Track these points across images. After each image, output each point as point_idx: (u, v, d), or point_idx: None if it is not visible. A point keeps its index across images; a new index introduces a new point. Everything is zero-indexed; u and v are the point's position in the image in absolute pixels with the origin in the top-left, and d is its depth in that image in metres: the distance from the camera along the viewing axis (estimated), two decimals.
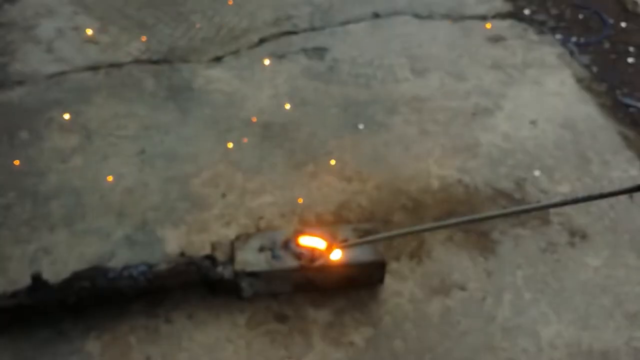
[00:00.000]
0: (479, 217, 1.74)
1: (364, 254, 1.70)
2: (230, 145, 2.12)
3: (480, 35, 2.77)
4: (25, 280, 1.68)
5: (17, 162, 2.04)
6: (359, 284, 1.75)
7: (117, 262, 1.72)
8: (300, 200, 1.96)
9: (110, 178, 1.98)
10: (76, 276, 1.62)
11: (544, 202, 1.95)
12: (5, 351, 1.61)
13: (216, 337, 1.65)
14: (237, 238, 1.73)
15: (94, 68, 2.41)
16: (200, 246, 1.83)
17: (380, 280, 1.75)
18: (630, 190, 1.36)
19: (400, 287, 1.78)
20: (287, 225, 1.90)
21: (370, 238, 1.68)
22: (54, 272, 1.71)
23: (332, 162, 2.09)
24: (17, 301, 1.59)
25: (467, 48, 2.68)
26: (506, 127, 2.32)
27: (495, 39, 2.76)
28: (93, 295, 1.60)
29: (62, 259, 1.79)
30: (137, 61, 2.45)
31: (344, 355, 1.63)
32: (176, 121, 2.22)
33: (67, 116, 2.18)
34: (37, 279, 1.61)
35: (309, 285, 1.72)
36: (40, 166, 2.03)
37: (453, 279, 1.80)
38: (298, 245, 1.71)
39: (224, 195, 1.98)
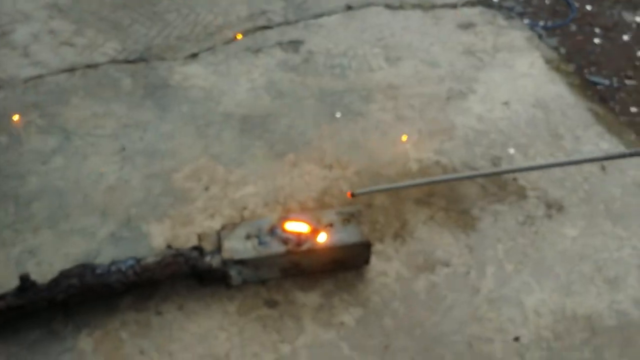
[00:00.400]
0: (459, 176, 1.76)
1: (349, 236, 1.73)
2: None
3: (451, 22, 2.82)
4: (11, 284, 1.68)
5: None
6: (346, 266, 1.78)
7: (103, 260, 1.72)
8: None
9: (103, 170, 1.98)
10: (64, 274, 1.62)
11: (516, 166, 2.00)
12: None
13: (208, 326, 1.66)
14: (223, 228, 1.75)
15: (70, 70, 2.40)
16: (185, 239, 1.84)
17: (366, 261, 1.78)
18: (598, 159, 1.40)
19: (386, 267, 1.82)
20: (271, 214, 1.92)
21: (379, 187, 1.72)
22: (41, 273, 1.72)
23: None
24: (5, 303, 1.59)
25: (438, 36, 2.72)
26: (480, 109, 2.37)
27: (466, 26, 2.81)
28: (82, 292, 1.61)
29: (48, 259, 1.79)
30: (114, 61, 2.45)
31: (336, 336, 1.66)
32: (155, 118, 2.23)
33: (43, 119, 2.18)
34: (25, 279, 1.61)
35: (297, 269, 1.75)
36: (20, 169, 2.02)
37: (437, 256, 1.84)
38: (284, 230, 1.73)
39: (206, 189, 2.00)
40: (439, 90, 2.44)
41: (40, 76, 2.40)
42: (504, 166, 2.13)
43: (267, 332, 1.66)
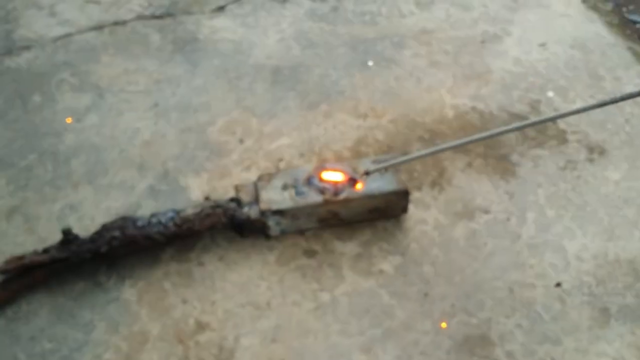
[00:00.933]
0: (496, 131, 1.71)
1: (387, 184, 1.72)
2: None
3: None
4: (54, 238, 1.71)
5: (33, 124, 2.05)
6: (384, 214, 1.77)
7: (143, 213, 1.74)
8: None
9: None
10: (106, 227, 1.64)
11: (555, 114, 1.94)
12: (44, 305, 1.64)
13: (248, 275, 1.68)
14: (260, 179, 1.75)
15: (98, 28, 2.39)
16: (223, 191, 1.85)
17: (404, 209, 1.77)
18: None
19: (424, 215, 1.80)
20: (307, 165, 1.91)
21: (396, 160, 1.69)
22: (83, 227, 1.74)
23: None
24: (50, 256, 1.62)
25: None
26: (516, 52, 2.30)
27: None
28: (124, 244, 1.63)
29: (89, 214, 1.81)
30: (141, 17, 2.43)
31: (375, 284, 1.66)
32: (186, 73, 2.21)
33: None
34: (67, 233, 1.64)
35: (335, 219, 1.74)
36: (56, 127, 2.04)
37: (476, 203, 1.82)
38: (321, 180, 1.72)
39: (241, 141, 1.99)
40: (473, 33, 2.38)
41: (68, 35, 2.39)
42: (542, 112, 2.08)
43: (306, 281, 1.67)
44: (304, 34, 2.36)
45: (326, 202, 1.70)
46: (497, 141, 1.96)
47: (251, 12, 2.46)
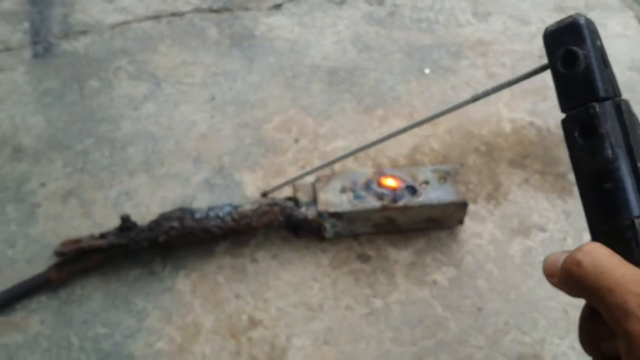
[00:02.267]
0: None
1: (445, 195, 1.71)
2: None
3: None
4: (109, 223, 1.72)
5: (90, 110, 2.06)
6: (439, 225, 1.76)
7: (198, 205, 1.75)
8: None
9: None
10: (164, 217, 1.65)
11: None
12: (98, 290, 1.65)
13: (302, 276, 1.68)
14: (318, 179, 1.75)
15: (155, 17, 2.40)
16: (277, 190, 1.85)
17: (460, 221, 1.76)
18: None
19: (479, 228, 1.79)
20: (361, 169, 1.90)
21: (289, 179, 1.68)
22: (138, 215, 1.75)
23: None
24: (107, 241, 1.63)
25: None
26: None
27: None
28: (182, 235, 1.63)
29: (145, 202, 1.82)
30: (198, 10, 2.44)
31: (429, 294, 1.65)
32: (242, 68, 2.21)
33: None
34: (126, 219, 1.64)
35: (390, 225, 1.74)
36: (113, 114, 2.05)
37: (532, 221, 1.80)
38: (379, 185, 1.72)
39: (296, 140, 1.99)
40: (530, 48, 2.36)
41: (126, 22, 2.40)
42: None
43: (359, 286, 1.67)
44: (360, 37, 2.36)
45: (384, 208, 1.69)
46: (555, 158, 1.95)
47: (308, 11, 2.46)
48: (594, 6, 2.59)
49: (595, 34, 0.57)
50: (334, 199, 1.70)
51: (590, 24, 0.57)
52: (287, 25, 2.40)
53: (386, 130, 2.03)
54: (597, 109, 0.54)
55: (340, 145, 1.99)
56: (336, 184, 1.73)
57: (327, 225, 1.70)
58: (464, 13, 2.50)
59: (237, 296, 1.63)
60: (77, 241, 1.66)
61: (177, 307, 1.61)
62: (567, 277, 0.52)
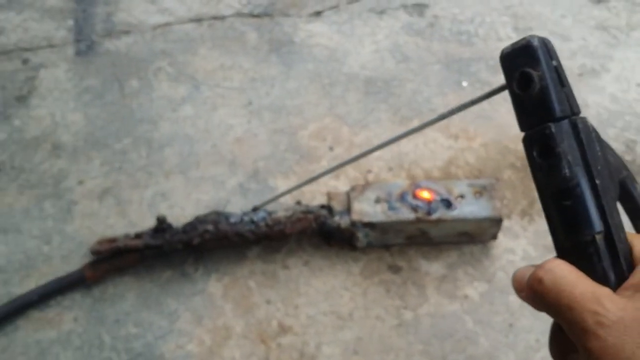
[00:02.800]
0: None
1: (480, 210, 1.70)
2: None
3: None
4: (145, 223, 1.75)
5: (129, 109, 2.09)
6: (472, 239, 1.75)
7: (232, 209, 1.76)
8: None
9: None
10: (199, 219, 1.66)
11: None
12: (131, 290, 1.68)
13: (332, 284, 1.68)
14: (353, 189, 1.75)
15: (197, 20, 2.43)
16: (311, 197, 1.85)
17: (494, 237, 1.75)
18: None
19: (512, 244, 1.77)
20: (394, 180, 1.90)
21: (281, 192, 1.67)
22: (172, 216, 1.77)
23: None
24: (143, 241, 1.65)
25: (570, 8, 2.60)
26: (614, 88, 2.25)
27: (598, 0, 2.66)
28: (216, 238, 1.65)
29: (179, 204, 1.84)
30: (239, 14, 2.46)
31: (460, 308, 1.64)
32: (280, 74, 2.23)
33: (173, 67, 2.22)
34: (162, 221, 1.66)
35: (422, 237, 1.73)
36: (152, 114, 2.08)
37: None
38: (414, 197, 1.71)
39: (331, 148, 2.00)
40: (570, 65, 2.33)
41: (168, 24, 2.43)
42: (638, 154, 2.03)
43: (390, 297, 1.66)
44: (398, 48, 2.36)
45: (418, 220, 1.68)
46: None
47: (347, 20, 2.47)
48: (635, 26, 2.56)
49: (551, 54, 0.58)
50: (368, 208, 1.70)
51: (544, 44, 0.58)
52: (327, 32, 2.41)
53: (421, 141, 2.02)
54: (553, 130, 0.54)
55: (374, 154, 1.98)
56: (371, 194, 1.73)
57: (360, 234, 1.70)
58: (504, 27, 2.48)
59: (268, 302, 1.64)
60: (112, 240, 1.68)
61: (208, 310, 1.62)
62: (531, 293, 0.52)
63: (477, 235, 1.74)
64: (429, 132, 2.06)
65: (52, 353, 1.58)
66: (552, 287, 0.50)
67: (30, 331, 1.62)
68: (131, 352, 1.56)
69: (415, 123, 2.08)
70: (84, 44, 2.33)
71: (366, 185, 1.77)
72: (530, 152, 0.57)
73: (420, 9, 2.53)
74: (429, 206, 1.70)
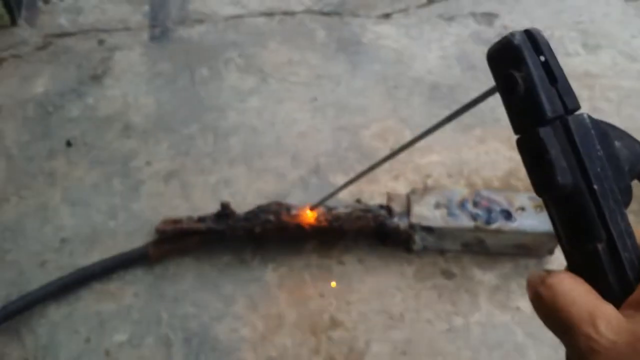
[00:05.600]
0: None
1: (539, 224, 1.70)
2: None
3: None
4: (207, 208, 1.80)
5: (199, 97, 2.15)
6: (528, 252, 1.75)
7: (292, 201, 1.80)
8: None
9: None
10: (261, 209, 1.71)
11: None
12: (190, 271, 1.73)
13: (386, 283, 1.70)
14: (413, 192, 1.77)
15: (268, 14, 2.48)
16: (369, 196, 1.88)
17: (551, 252, 1.75)
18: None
19: None
20: (453, 186, 1.91)
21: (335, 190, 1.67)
22: (234, 203, 1.81)
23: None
24: (207, 225, 1.71)
25: None
26: None
27: None
28: (277, 228, 1.69)
29: (241, 192, 1.89)
30: (309, 11, 2.50)
31: (511, 319, 1.65)
32: (346, 73, 2.26)
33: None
34: (225, 206, 1.71)
35: (478, 246, 1.74)
36: (220, 103, 2.13)
37: None
38: (474, 205, 1.72)
39: (392, 150, 2.02)
40: (638, 85, 2.30)
41: (240, 16, 2.49)
42: None
43: (441, 302, 1.68)
44: (465, 55, 2.36)
45: (476, 229, 1.70)
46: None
47: (416, 24, 2.49)
48: None
49: (539, 48, 0.52)
50: (427, 213, 1.72)
51: (530, 39, 0.52)
52: (395, 35, 2.44)
53: (483, 150, 2.03)
54: (542, 135, 0.50)
55: (434, 159, 2.00)
56: (431, 199, 1.75)
57: (417, 237, 1.72)
58: (573, 43, 2.46)
59: (321, 295, 1.68)
60: (177, 221, 1.74)
61: (263, 298, 1.66)
62: (534, 309, 0.49)
63: (534, 249, 1.74)
64: (491, 141, 2.07)
65: (111, 325, 1.65)
66: (550, 305, 0.46)
67: (91, 302, 1.70)
68: (187, 331, 1.61)
69: (478, 132, 2.09)
70: (159, 30, 2.41)
71: (426, 190, 1.78)
72: (522, 157, 0.52)
73: (489, 18, 2.53)
74: (489, 215, 1.71)
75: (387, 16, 2.51)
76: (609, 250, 0.47)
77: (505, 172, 1.98)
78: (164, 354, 1.57)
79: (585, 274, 0.47)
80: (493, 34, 2.45)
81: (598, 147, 0.49)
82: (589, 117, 0.51)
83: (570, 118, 0.50)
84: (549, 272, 0.48)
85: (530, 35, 0.52)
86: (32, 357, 1.56)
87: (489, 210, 1.71)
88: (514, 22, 2.52)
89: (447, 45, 2.40)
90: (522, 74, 0.51)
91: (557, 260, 1.76)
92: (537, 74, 0.51)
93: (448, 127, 2.09)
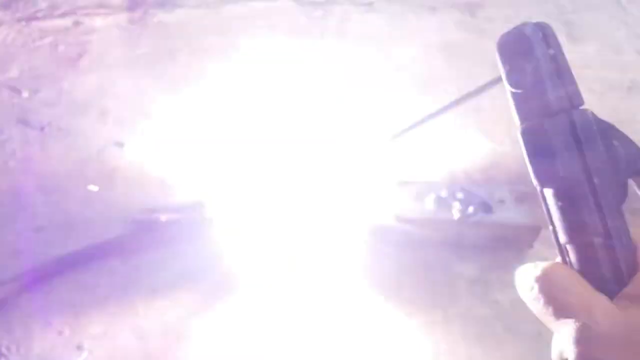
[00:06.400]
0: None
1: (519, 217, 1.70)
2: None
3: (638, 7, 2.64)
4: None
5: None
6: (508, 245, 1.75)
7: None
8: None
9: None
10: None
11: None
12: None
13: None
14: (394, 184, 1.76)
15: None
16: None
17: (530, 245, 1.75)
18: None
19: (547, 253, 1.76)
20: (433, 178, 1.90)
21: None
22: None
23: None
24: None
25: (625, 20, 2.56)
26: None
27: None
28: None
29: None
30: None
31: (489, 312, 1.65)
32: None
33: None
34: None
35: (457, 238, 1.74)
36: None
37: None
38: (453, 198, 1.72)
39: None
40: (621, 77, 2.31)
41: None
42: None
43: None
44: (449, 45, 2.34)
45: (455, 221, 1.69)
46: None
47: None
48: None
49: (548, 41, 0.53)
50: (408, 204, 1.71)
51: (541, 31, 0.53)
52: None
53: (461, 142, 2.02)
54: (547, 126, 0.50)
55: (415, 150, 1.99)
56: (411, 191, 1.74)
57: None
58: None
59: None
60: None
61: None
62: (525, 299, 0.49)
63: (514, 242, 1.74)
64: (472, 133, 2.06)
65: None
66: (545, 295, 0.47)
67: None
68: None
69: (459, 122, 2.07)
70: (138, 12, 2.35)
71: (410, 182, 1.77)
72: (525, 147, 0.51)
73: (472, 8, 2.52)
74: (468, 208, 1.70)
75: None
76: (605, 244, 0.48)
77: (486, 163, 1.97)
78: None
79: (579, 267, 0.48)
80: (475, 24, 2.44)
81: (599, 143, 0.50)
82: (592, 113, 0.52)
83: (574, 112, 0.51)
84: (543, 263, 0.49)
85: (541, 28, 0.52)
86: (5, 349, 1.53)
87: (468, 203, 1.71)
88: (500, 12, 2.50)
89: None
90: (531, 65, 0.51)
91: (537, 253, 1.76)
92: (545, 66, 0.51)
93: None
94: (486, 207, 1.70)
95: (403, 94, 2.14)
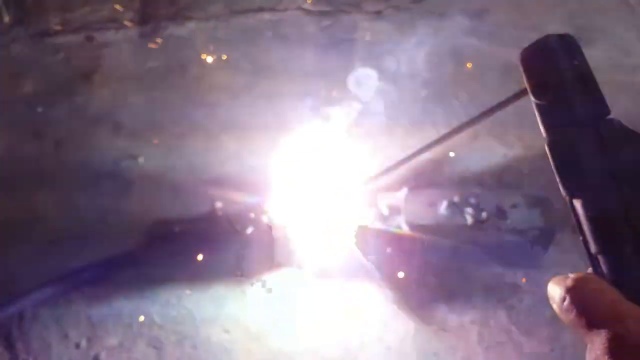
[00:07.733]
0: None
1: (534, 221, 1.69)
2: None
3: None
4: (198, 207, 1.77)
5: None
6: (523, 250, 1.74)
7: None
8: None
9: None
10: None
11: None
12: None
13: None
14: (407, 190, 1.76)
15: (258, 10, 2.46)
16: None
17: (545, 249, 1.74)
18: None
19: (561, 258, 1.76)
20: (446, 183, 1.90)
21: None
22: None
23: None
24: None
25: (634, 23, 2.55)
26: None
27: None
28: None
29: None
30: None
31: (505, 318, 1.65)
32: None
33: None
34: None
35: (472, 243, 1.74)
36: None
37: None
38: (467, 204, 1.71)
39: None
40: (631, 80, 2.30)
41: (232, 12, 2.47)
42: None
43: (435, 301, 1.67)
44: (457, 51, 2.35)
45: (469, 227, 1.69)
46: None
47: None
48: None
49: (572, 52, 0.53)
50: (420, 212, 1.71)
51: (564, 43, 0.53)
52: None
53: (475, 148, 2.02)
54: (573, 137, 0.50)
55: (427, 157, 1.99)
56: (424, 198, 1.74)
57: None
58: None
59: None
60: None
61: None
62: (557, 310, 0.50)
63: (527, 247, 1.73)
64: (483, 138, 2.06)
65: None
66: (578, 306, 0.47)
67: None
68: None
69: (471, 128, 2.07)
70: (149, 26, 2.38)
71: (424, 189, 1.78)
72: (552, 158, 0.51)
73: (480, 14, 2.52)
74: (481, 213, 1.70)
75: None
76: (635, 253, 0.47)
77: (499, 169, 1.97)
78: None
79: (610, 277, 0.48)
80: (486, 30, 2.44)
81: (627, 151, 0.50)
82: (620, 122, 0.51)
83: (601, 122, 0.51)
84: (575, 274, 0.49)
85: (565, 40, 0.53)
86: None
87: (481, 208, 1.70)
88: (508, 17, 2.50)
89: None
90: (556, 76, 0.51)
91: (551, 257, 1.75)
92: (570, 77, 0.51)
93: (441, 124, 2.09)
94: (500, 212, 1.70)
95: (415, 101, 2.15)
